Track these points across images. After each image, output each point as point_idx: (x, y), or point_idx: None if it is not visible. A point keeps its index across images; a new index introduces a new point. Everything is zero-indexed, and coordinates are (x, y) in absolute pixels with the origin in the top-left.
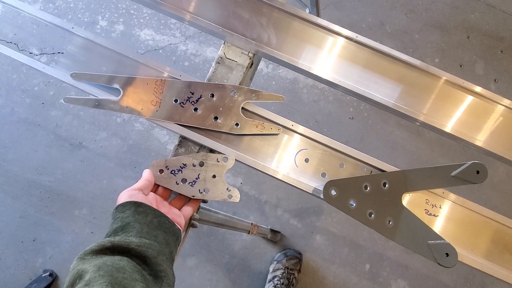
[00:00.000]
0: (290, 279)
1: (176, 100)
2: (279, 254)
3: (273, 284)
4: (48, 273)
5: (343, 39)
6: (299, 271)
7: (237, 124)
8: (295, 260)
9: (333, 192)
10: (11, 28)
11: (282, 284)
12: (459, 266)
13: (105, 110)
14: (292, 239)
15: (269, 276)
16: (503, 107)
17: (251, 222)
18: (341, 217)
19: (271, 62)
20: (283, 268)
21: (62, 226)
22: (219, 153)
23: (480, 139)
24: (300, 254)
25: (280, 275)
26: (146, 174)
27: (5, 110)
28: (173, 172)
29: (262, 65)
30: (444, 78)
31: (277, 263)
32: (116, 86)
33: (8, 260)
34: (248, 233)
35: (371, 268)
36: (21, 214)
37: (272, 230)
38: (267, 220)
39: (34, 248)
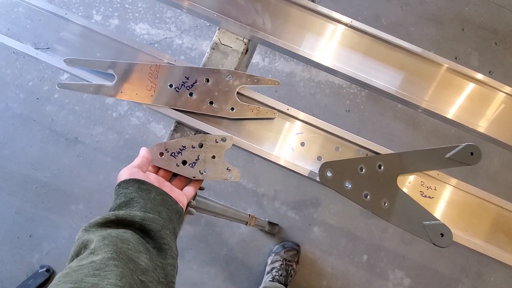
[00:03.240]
0: (288, 270)
1: (171, 85)
2: (277, 246)
3: (271, 276)
4: (45, 269)
5: (340, 26)
6: (297, 262)
7: (232, 109)
8: (293, 252)
9: (329, 174)
10: (4, 23)
11: (281, 275)
12: (456, 256)
13: (99, 95)
14: (290, 231)
15: (268, 268)
16: (504, 94)
17: (248, 213)
18: (338, 208)
19: (267, 55)
20: (281, 260)
21: (59, 222)
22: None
23: (482, 125)
24: (298, 246)
25: (278, 267)
26: (143, 151)
27: None
28: (173, 154)
29: (258, 58)
30: (446, 65)
31: (275, 255)
32: (111, 71)
33: (4, 256)
34: (246, 224)
35: (368, 259)
36: (17, 210)
37: (270, 223)
38: (265, 212)
39: (31, 244)
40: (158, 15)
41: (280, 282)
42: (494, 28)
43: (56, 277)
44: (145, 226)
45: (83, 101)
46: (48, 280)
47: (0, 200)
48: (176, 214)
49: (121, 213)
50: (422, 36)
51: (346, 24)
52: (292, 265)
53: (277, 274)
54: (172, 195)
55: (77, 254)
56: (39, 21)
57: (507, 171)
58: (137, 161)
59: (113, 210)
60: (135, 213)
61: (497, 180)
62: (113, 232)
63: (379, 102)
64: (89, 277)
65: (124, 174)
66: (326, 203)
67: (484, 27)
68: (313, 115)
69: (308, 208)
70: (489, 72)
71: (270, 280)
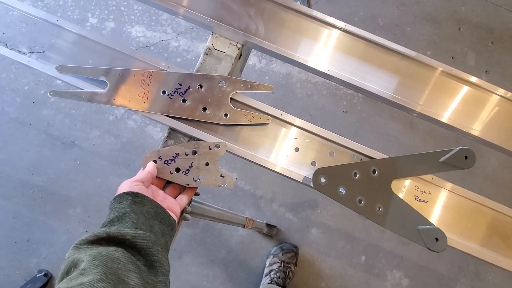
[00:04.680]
0: (286, 272)
1: (164, 92)
2: (275, 248)
3: (269, 278)
4: (43, 273)
5: (334, 30)
6: (295, 264)
7: (226, 115)
8: (291, 254)
9: (323, 180)
10: None
11: (279, 277)
12: (454, 256)
13: (91, 103)
14: (288, 233)
15: (266, 270)
16: (498, 97)
17: (246, 216)
18: (336, 210)
19: (264, 57)
20: (280, 262)
21: (56, 226)
22: None
23: (476, 129)
24: (296, 247)
25: (276, 269)
26: (150, 167)
27: None
28: (166, 162)
29: (255, 60)
30: (440, 68)
31: (273, 257)
32: (103, 78)
33: (2, 261)
34: (244, 227)
35: (366, 260)
36: (14, 215)
37: (268, 225)
38: (262, 214)
39: (28, 249)
40: (154, 18)
41: (278, 284)
42: (491, 28)
43: None
44: (135, 244)
45: (79, 104)
46: (46, 285)
47: None
48: (169, 227)
49: (112, 230)
50: (419, 36)
51: (340, 28)
52: (290, 267)
53: (275, 276)
54: (165, 205)
55: (67, 272)
56: (35, 25)
57: (504, 170)
58: (141, 175)
59: (106, 225)
60: (126, 230)
61: (494, 179)
62: (103, 250)
63: (376, 102)
64: None
65: (124, 187)
66: (324, 204)
67: (481, 27)
68: (310, 116)
69: (306, 210)
70: (486, 71)
71: (268, 283)
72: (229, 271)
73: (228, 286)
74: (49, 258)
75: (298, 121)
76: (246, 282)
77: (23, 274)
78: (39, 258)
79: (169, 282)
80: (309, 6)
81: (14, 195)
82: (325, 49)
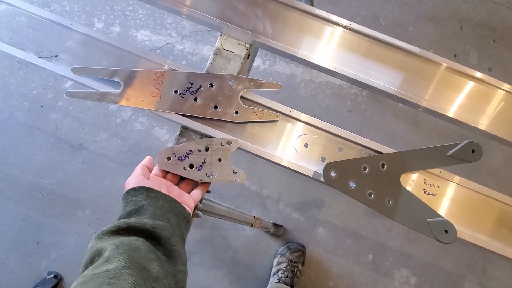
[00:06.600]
0: (294, 271)
1: (176, 91)
2: (282, 247)
3: (277, 277)
4: (52, 275)
5: (339, 28)
6: (302, 263)
7: (236, 112)
8: (298, 253)
9: (333, 174)
10: (6, 32)
11: (286, 277)
12: (461, 253)
13: (106, 102)
14: (295, 233)
15: (273, 270)
16: (504, 92)
17: (253, 215)
18: (342, 209)
19: (268, 58)
20: (287, 261)
21: (66, 228)
22: None
23: (482, 123)
24: (303, 246)
25: (284, 268)
26: (145, 160)
27: (3, 115)
28: (180, 158)
29: (259, 61)
30: (445, 64)
31: (280, 256)
32: (117, 79)
33: (12, 264)
34: (251, 226)
35: (374, 258)
36: (24, 218)
37: (274, 224)
38: (269, 214)
39: (38, 251)
40: (159, 21)
41: (286, 284)
42: (492, 26)
43: (73, 285)
44: (155, 233)
45: (87, 108)
46: (56, 287)
47: (6, 208)
48: (184, 220)
49: (132, 220)
50: (421, 35)
51: (345, 27)
52: (297, 266)
53: (283, 275)
54: (180, 199)
55: (91, 261)
56: (42, 30)
57: (509, 167)
58: (139, 170)
59: (123, 218)
60: (145, 221)
61: (499, 176)
62: (125, 240)
63: (380, 101)
64: (104, 286)
65: (132, 182)
66: (330, 203)
67: (482, 25)
68: (315, 116)
69: (312, 209)
70: (489, 69)
71: (276, 282)
72: (237, 271)
73: (236, 286)
74: (58, 260)
75: (306, 118)
76: (254, 281)
77: (33, 277)
78: (49, 260)
79: (187, 271)
80: (312, 5)
81: (24, 198)
82: (330, 46)
